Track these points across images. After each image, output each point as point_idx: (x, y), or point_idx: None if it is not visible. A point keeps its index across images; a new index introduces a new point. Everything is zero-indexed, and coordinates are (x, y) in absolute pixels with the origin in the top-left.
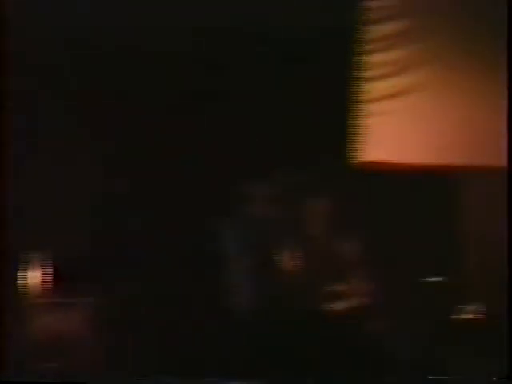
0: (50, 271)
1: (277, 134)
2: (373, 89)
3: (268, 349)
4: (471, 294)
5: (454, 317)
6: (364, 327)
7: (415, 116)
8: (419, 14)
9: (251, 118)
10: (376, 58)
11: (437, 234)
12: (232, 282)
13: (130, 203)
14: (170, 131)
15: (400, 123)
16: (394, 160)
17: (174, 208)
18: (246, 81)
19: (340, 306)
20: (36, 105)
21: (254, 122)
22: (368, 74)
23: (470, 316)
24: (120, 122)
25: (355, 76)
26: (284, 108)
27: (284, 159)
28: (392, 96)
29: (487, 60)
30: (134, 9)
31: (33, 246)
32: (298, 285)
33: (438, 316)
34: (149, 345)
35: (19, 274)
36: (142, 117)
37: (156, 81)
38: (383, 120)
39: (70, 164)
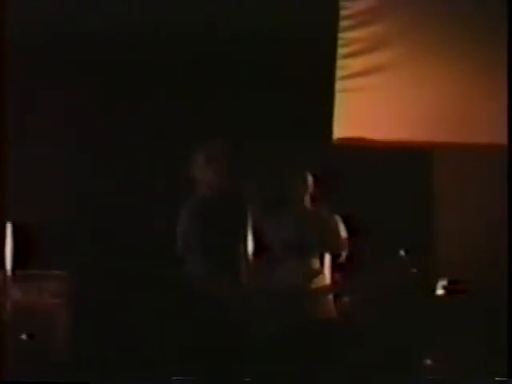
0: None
1: (252, 108)
2: (350, 65)
3: None
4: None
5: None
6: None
7: (391, 92)
8: None
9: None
10: (353, 34)
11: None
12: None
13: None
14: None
15: (377, 99)
16: (369, 136)
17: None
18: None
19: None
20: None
21: (227, 91)
22: (345, 50)
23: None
24: None
25: (332, 52)
26: (259, 83)
27: (260, 134)
28: (369, 72)
29: (464, 36)
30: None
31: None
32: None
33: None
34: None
35: None
36: None
37: None
38: (360, 96)
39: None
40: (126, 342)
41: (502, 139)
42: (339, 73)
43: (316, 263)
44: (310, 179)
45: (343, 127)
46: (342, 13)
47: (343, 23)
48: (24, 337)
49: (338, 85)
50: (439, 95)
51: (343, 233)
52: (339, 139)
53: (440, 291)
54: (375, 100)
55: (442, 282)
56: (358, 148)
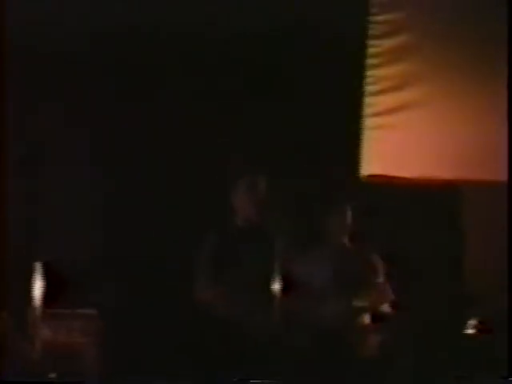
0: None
1: (279, 144)
2: (378, 102)
3: None
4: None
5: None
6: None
7: (419, 130)
8: (425, 28)
9: (252, 130)
10: (382, 71)
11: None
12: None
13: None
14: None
15: (406, 137)
16: (396, 174)
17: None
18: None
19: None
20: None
21: (254, 133)
22: (374, 87)
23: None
24: None
25: (360, 89)
26: (288, 118)
27: (286, 170)
28: (397, 109)
29: (490, 74)
30: None
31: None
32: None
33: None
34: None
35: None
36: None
37: None
38: (388, 134)
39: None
40: (155, 380)
41: None
42: (367, 110)
43: (355, 301)
44: (348, 217)
45: (371, 164)
46: (370, 51)
47: (371, 61)
48: (53, 375)
49: (367, 122)
50: (465, 132)
51: (382, 271)
52: (367, 176)
53: (470, 330)
54: (403, 137)
55: (472, 322)
56: (386, 185)
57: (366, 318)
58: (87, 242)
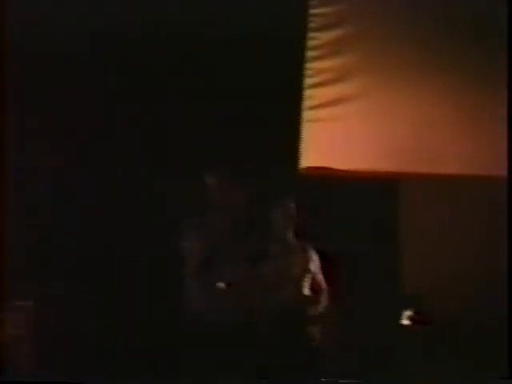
0: None
1: (222, 138)
2: (318, 95)
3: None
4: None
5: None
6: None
7: (361, 122)
8: (364, 20)
9: (195, 121)
10: (321, 64)
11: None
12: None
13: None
14: None
15: (345, 129)
16: (336, 166)
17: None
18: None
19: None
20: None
21: (196, 125)
22: (313, 80)
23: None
24: None
25: (301, 82)
26: (230, 112)
27: (229, 164)
28: (337, 102)
29: (432, 63)
30: None
31: None
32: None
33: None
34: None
35: None
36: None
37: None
38: (327, 126)
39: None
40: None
41: (473, 169)
42: (307, 103)
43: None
44: (289, 211)
45: (310, 157)
46: (310, 43)
47: (311, 54)
48: None
49: (306, 115)
50: (405, 124)
51: (317, 263)
52: (306, 168)
53: (406, 321)
54: (343, 130)
55: (408, 313)
56: (325, 177)
57: (310, 310)
58: (22, 234)
